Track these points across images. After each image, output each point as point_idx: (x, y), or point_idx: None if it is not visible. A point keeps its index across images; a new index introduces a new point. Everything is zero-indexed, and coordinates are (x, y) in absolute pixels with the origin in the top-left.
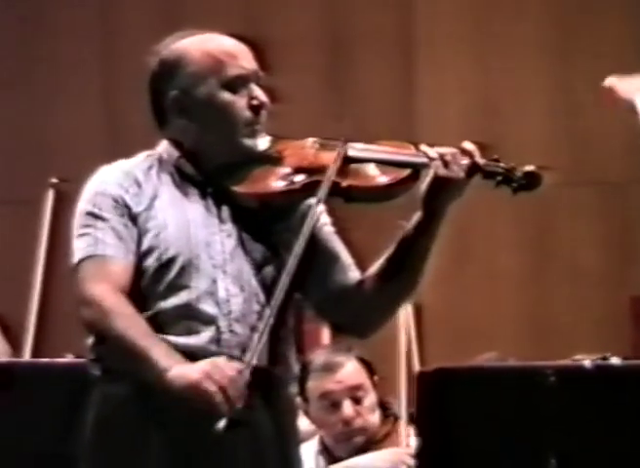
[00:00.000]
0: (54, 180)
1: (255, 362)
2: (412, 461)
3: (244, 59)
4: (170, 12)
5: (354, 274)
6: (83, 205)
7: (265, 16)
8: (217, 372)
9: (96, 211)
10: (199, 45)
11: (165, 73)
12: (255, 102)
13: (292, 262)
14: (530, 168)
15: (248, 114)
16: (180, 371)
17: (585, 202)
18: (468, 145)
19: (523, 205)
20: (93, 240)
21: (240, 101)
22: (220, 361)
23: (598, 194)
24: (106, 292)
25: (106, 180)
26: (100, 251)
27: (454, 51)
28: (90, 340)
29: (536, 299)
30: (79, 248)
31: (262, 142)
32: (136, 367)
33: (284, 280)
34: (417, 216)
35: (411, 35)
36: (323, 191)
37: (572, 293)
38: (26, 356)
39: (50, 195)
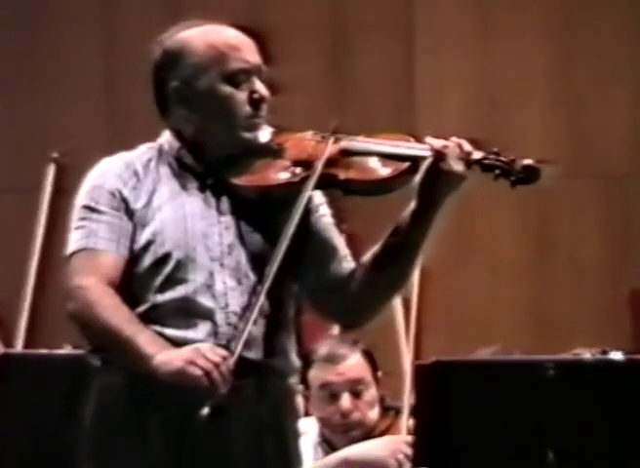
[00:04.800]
0: (54, 155)
1: (240, 348)
2: (409, 450)
3: (247, 53)
4: (172, 3)
5: (349, 264)
6: (81, 198)
7: (266, 4)
8: (200, 358)
9: (92, 204)
10: (202, 36)
11: (167, 63)
12: (255, 96)
13: (279, 249)
14: (529, 161)
15: (247, 108)
16: (165, 358)
17: (587, 194)
18: (465, 144)
19: (524, 196)
20: (86, 232)
21: (240, 95)
22: (204, 346)
23: (599, 186)
24: (93, 283)
25: (105, 173)
26: (92, 244)
27: (455, 42)
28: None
29: (536, 291)
30: (73, 240)
31: (263, 134)
32: (122, 355)
33: (272, 265)
34: (412, 206)
35: (412, 25)
36: (310, 183)
37: (572, 285)
38: (20, 341)
39: (51, 170)
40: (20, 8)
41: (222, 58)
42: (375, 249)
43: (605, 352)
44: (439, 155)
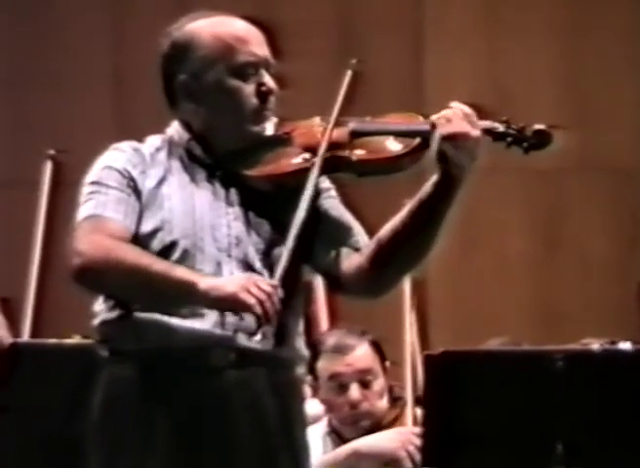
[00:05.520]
0: (51, 152)
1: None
2: (419, 441)
3: (255, 45)
4: None
5: (364, 238)
6: (90, 177)
7: (275, 1)
8: (253, 286)
9: (101, 180)
10: (211, 28)
11: (175, 56)
12: (263, 89)
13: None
14: (539, 126)
15: (255, 101)
16: (214, 283)
17: (595, 188)
18: (465, 109)
19: (532, 190)
20: (94, 204)
21: (248, 88)
22: (255, 275)
23: (608, 180)
24: (105, 237)
25: (115, 156)
26: (100, 211)
27: (463, 36)
28: (96, 321)
29: (544, 285)
30: (80, 212)
31: (269, 126)
32: (155, 291)
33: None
34: (434, 180)
35: (421, 20)
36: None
37: (580, 279)
38: (25, 335)
39: (48, 167)
40: (27, 3)
41: (230, 51)
42: (394, 222)
43: (614, 343)
44: (445, 119)
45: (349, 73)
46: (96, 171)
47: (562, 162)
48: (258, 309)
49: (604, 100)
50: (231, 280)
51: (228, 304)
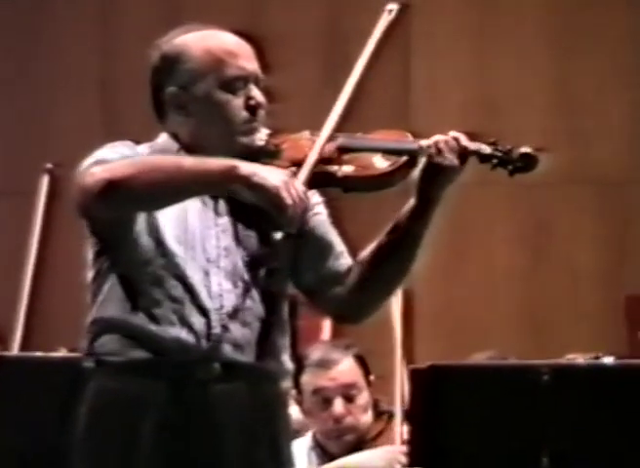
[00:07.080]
0: (49, 166)
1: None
2: (406, 460)
3: (245, 59)
4: (169, 6)
5: (347, 261)
6: (91, 157)
7: (264, 11)
8: (294, 187)
9: (105, 157)
10: (200, 41)
11: (165, 68)
12: (252, 103)
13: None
14: (526, 149)
15: (244, 114)
16: (255, 169)
17: (583, 200)
18: (461, 138)
19: (521, 202)
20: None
21: (237, 102)
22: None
23: (596, 193)
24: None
25: (113, 148)
26: (109, 158)
27: (451, 45)
28: (88, 318)
29: (532, 297)
30: (85, 167)
31: (259, 137)
32: (196, 182)
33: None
34: (410, 203)
35: (408, 29)
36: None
37: (568, 291)
38: (15, 347)
39: (45, 180)
40: (16, 9)
41: (219, 64)
42: (373, 245)
43: (598, 358)
44: (436, 149)
45: (387, 18)
46: (96, 153)
47: (550, 175)
48: (291, 212)
49: (593, 113)
50: (273, 172)
51: (267, 195)
